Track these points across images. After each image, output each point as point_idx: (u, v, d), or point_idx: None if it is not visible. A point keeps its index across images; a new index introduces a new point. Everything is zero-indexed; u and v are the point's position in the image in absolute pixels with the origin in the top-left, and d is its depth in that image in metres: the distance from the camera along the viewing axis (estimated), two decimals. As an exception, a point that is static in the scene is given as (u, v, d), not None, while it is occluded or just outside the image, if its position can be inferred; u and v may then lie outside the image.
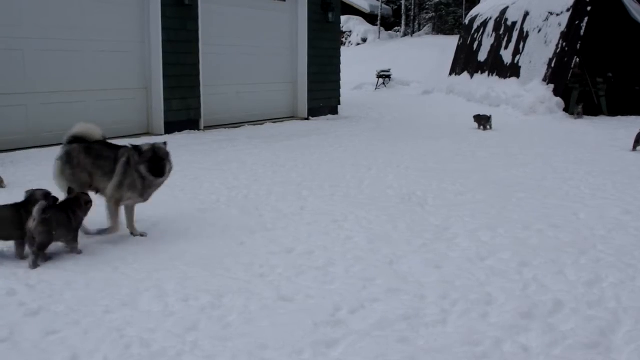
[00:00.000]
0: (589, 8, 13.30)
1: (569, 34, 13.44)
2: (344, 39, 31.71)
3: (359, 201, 5.84)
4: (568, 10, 13.64)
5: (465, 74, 17.81)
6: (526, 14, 15.23)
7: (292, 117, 13.75)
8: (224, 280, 3.77)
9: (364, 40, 32.68)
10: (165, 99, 10.63)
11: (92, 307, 3.38)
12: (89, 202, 4.31)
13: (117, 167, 4.59)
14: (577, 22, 13.40)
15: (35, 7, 9.00)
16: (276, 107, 13.51)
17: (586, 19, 13.31)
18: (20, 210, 4.08)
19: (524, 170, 7.35)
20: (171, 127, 10.72)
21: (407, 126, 12.08)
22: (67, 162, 4.69)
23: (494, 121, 11.28)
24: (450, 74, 19.45)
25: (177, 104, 10.83)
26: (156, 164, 4.55)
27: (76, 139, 4.75)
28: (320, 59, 13.97)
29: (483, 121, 11.26)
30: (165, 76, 10.58)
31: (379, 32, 33.15)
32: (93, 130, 4.84)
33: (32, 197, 4.15)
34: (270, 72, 13.33)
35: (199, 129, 11.23)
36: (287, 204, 5.73)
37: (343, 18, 25.27)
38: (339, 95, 14.81)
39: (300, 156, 8.42)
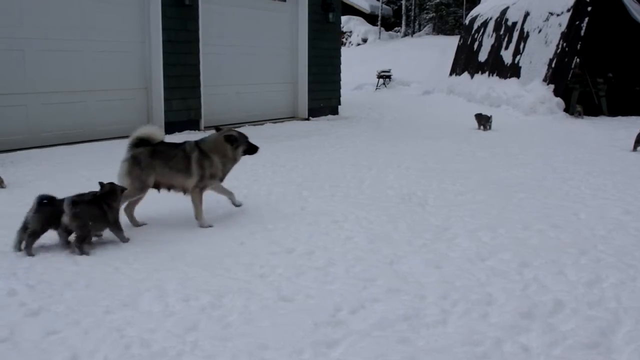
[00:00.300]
0: (589, 8, 13.30)
1: (569, 34, 13.44)
2: (344, 39, 31.70)
3: (360, 201, 5.84)
4: (568, 10, 13.63)
5: (466, 74, 17.81)
6: (526, 14, 15.23)
7: (292, 118, 13.75)
8: (224, 280, 3.77)
9: (365, 40, 32.68)
10: (165, 99, 10.64)
11: (93, 307, 3.38)
12: (124, 190, 4.59)
13: (191, 162, 4.97)
14: (577, 23, 13.40)
15: (35, 7, 9.00)
16: (276, 108, 13.51)
17: (586, 19, 13.30)
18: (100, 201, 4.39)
19: (525, 171, 7.35)
20: (171, 128, 10.71)
21: (407, 126, 12.08)
22: (135, 164, 4.93)
23: (494, 121, 11.28)
24: (451, 74, 19.45)
25: (177, 104, 10.83)
26: (251, 145, 5.14)
27: (141, 141, 4.98)
28: (320, 59, 13.97)
29: (483, 121, 11.27)
30: (166, 76, 10.58)
31: (380, 32, 33.15)
32: (156, 132, 5.11)
33: (110, 189, 4.44)
34: (271, 73, 13.33)
35: (199, 129, 11.23)
36: (287, 204, 5.73)
37: (343, 18, 25.27)
38: (340, 96, 14.81)
39: (301, 156, 8.42)
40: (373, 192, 6.26)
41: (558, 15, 13.93)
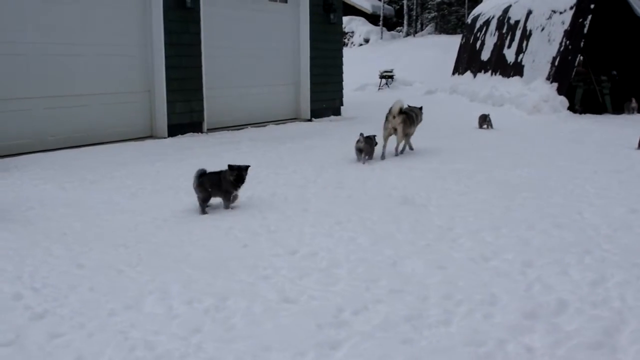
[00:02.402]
0: (592, 6, 13.27)
1: (572, 32, 13.41)
2: (346, 40, 31.69)
3: (363, 202, 5.84)
4: (571, 8, 13.60)
5: (469, 74, 17.78)
6: (529, 13, 15.21)
7: (294, 119, 13.76)
8: (227, 282, 3.78)
9: (367, 40, 32.66)
10: (168, 102, 10.65)
11: (97, 310, 3.40)
12: (234, 171, 5.51)
13: (415, 120, 8.56)
14: (580, 20, 13.36)
15: (38, 12, 9.03)
16: (279, 109, 13.52)
17: (590, 16, 13.27)
18: (220, 176, 5.56)
19: (528, 170, 7.34)
20: (174, 130, 10.74)
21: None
22: (404, 121, 8.23)
23: (497, 120, 11.27)
24: (453, 73, 19.42)
25: (180, 106, 10.85)
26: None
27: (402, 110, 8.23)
28: (322, 60, 13.98)
29: (482, 119, 11.29)
30: (168, 79, 10.60)
31: (382, 32, 33.13)
32: (401, 103, 8.26)
33: (232, 168, 5.51)
34: (273, 74, 13.35)
35: (202, 132, 11.25)
36: (290, 205, 5.74)
37: (345, 19, 25.25)
38: (342, 96, 14.81)
39: (303, 157, 8.42)
40: (376, 192, 6.26)
41: (561, 13, 13.91)
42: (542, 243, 4.50)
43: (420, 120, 8.85)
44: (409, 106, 8.72)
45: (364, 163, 7.83)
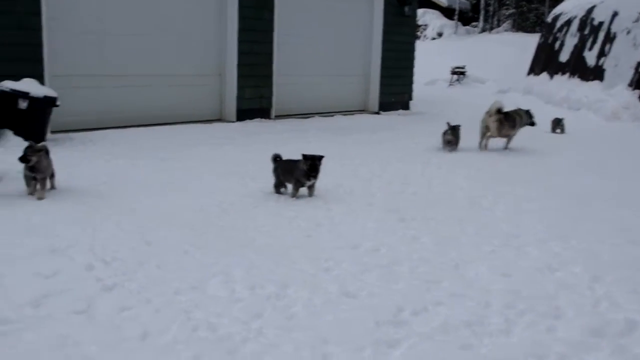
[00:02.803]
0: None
1: (659, 38, 12.80)
2: (419, 33, 31.31)
3: (428, 201, 5.79)
4: (661, 12, 12.99)
5: (545, 75, 17.25)
6: (614, 14, 14.59)
7: (362, 111, 13.73)
8: (289, 271, 3.83)
9: (440, 34, 32.19)
10: (238, 87, 10.84)
11: (163, 287, 3.51)
12: (307, 161, 5.52)
13: (518, 123, 8.72)
14: (669, 26, 12.75)
15: (122, -9, 9.32)
16: (347, 100, 13.52)
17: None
18: (295, 164, 5.64)
19: (602, 179, 7.08)
20: (243, 115, 10.92)
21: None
22: (503, 120, 8.59)
23: (571, 125, 10.90)
24: (529, 73, 18.89)
25: (249, 92, 11.02)
26: None
27: (499, 110, 8.47)
28: (394, 53, 13.87)
29: (555, 124, 10.94)
30: (240, 64, 10.77)
31: (456, 26, 32.56)
32: (500, 104, 8.51)
33: (306, 158, 5.55)
34: (343, 64, 13.34)
35: (269, 118, 11.39)
36: (355, 198, 5.75)
37: (419, 11, 24.90)
38: (412, 91, 14.67)
39: (371, 151, 8.40)
40: (442, 191, 6.18)
41: (649, 16, 13.29)
42: (612, 258, 4.34)
43: (527, 123, 8.88)
44: (519, 108, 8.96)
45: (450, 152, 8.45)
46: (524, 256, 4.32)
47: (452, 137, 8.54)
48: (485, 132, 8.68)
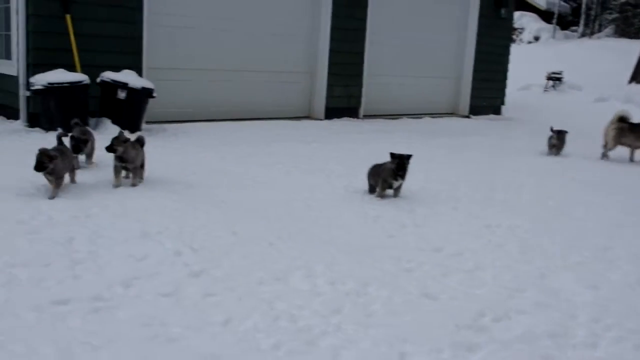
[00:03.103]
0: None
1: None
2: (514, 36, 30.41)
3: (516, 208, 5.64)
4: None
5: (648, 83, 16.35)
6: None
7: (451, 114, 13.52)
8: (370, 269, 3.85)
9: (537, 38, 31.13)
10: (328, 85, 10.94)
11: (247, 277, 3.62)
12: (395, 159, 5.49)
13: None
14: None
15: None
16: (436, 102, 13.35)
17: None
18: (382, 166, 5.64)
19: None
20: (331, 113, 11.02)
21: (576, 135, 11.34)
22: (618, 129, 8.51)
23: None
24: (630, 81, 17.97)
25: (339, 90, 11.10)
26: None
27: (621, 119, 8.47)
28: (487, 56, 13.56)
29: None
30: (331, 63, 10.87)
31: (554, 30, 31.38)
32: (623, 113, 8.57)
33: (394, 156, 5.50)
34: (434, 66, 13.18)
35: (357, 117, 11.43)
36: (439, 202, 5.69)
37: (516, 14, 24.20)
38: (504, 95, 14.29)
39: (458, 155, 8.28)
40: (531, 199, 6.01)
41: None
42: None
43: None
44: None
45: (555, 155, 8.57)
46: (615, 270, 4.14)
47: (557, 141, 8.56)
48: (607, 140, 8.66)
